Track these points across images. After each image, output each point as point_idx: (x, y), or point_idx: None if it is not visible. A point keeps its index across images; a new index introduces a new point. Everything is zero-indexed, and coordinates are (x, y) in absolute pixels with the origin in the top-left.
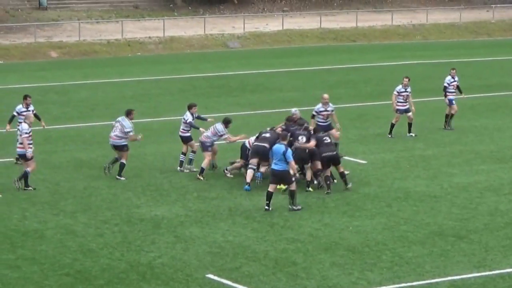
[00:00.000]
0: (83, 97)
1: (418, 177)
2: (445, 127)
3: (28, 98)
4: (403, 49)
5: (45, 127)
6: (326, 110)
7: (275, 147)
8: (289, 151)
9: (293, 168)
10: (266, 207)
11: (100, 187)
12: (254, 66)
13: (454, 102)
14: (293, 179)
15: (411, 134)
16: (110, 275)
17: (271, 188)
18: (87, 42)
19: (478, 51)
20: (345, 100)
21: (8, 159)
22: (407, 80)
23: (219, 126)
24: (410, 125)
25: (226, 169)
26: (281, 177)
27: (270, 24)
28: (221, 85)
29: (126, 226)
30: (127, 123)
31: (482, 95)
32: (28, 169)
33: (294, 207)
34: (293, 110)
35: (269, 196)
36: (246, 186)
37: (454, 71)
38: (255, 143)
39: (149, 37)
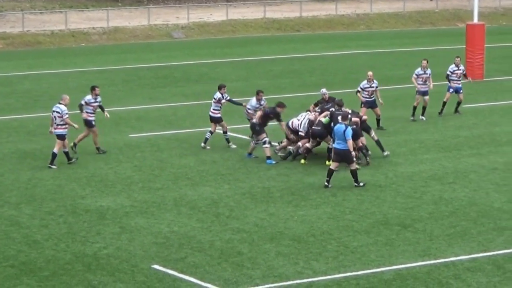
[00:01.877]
0: (27, 88)
1: (363, 167)
2: (440, 113)
3: (96, 89)
4: (347, 38)
5: (108, 116)
6: (371, 87)
7: (337, 127)
8: (349, 129)
9: (350, 146)
10: (326, 183)
11: (45, 178)
12: (199, 57)
13: (461, 90)
14: (354, 159)
15: (422, 117)
16: (55, 266)
17: (333, 166)
18: (31, 33)
19: (422, 40)
20: (289, 90)
21: None
22: (425, 62)
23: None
24: (424, 108)
25: (276, 149)
26: (343, 156)
27: (214, 14)
28: (166, 76)
29: (71, 217)
30: (253, 102)
31: None
32: (56, 149)
33: (358, 184)
34: (323, 90)
35: (330, 173)
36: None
37: (459, 59)
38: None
39: (93, 28)
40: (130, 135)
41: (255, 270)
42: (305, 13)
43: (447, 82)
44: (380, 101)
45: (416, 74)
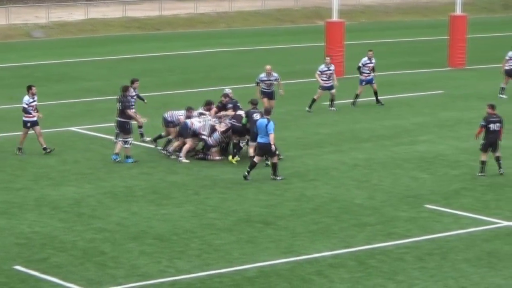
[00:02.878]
0: None
1: (225, 164)
2: (353, 104)
3: (33, 88)
4: (208, 37)
5: (41, 116)
6: (269, 80)
7: (259, 121)
8: (271, 123)
9: (272, 139)
10: (246, 174)
11: None
12: (59, 56)
13: (374, 81)
14: (276, 152)
15: (332, 108)
16: None
17: (256, 159)
18: None
19: (282, 38)
20: (150, 89)
21: None
22: (329, 59)
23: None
24: (332, 100)
25: (169, 151)
26: (265, 149)
27: (74, 13)
28: (26, 75)
29: None
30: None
31: (286, 82)
32: None
33: (276, 178)
34: (227, 90)
35: (253, 166)
36: (114, 156)
37: (372, 52)
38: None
39: None
40: None
41: (118, 269)
42: (165, 12)
43: (359, 75)
44: (281, 92)
45: (319, 71)
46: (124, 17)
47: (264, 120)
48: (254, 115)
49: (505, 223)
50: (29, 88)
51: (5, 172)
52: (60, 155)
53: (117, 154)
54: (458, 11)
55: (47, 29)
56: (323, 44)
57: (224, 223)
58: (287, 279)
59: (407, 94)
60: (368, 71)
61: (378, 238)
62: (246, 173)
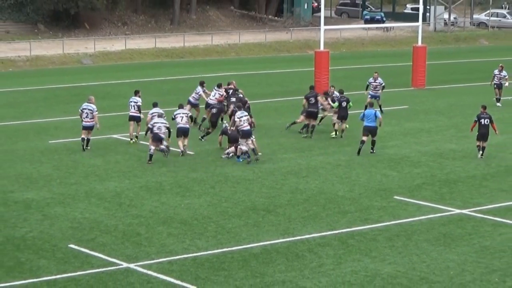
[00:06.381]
0: None
1: (234, 164)
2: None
3: (139, 92)
4: (221, 63)
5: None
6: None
7: (368, 111)
8: (378, 112)
9: (381, 122)
10: (359, 151)
11: None
12: (103, 79)
13: (379, 98)
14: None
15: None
16: None
17: (365, 138)
18: None
19: (279, 64)
20: (177, 104)
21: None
22: (376, 74)
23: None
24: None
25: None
26: (373, 131)
27: (116, 44)
28: (78, 94)
29: (2, 207)
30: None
31: (284, 99)
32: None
33: (374, 151)
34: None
35: (363, 142)
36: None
37: (376, 74)
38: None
39: (19, 56)
40: (49, 142)
41: (151, 247)
42: (187, 43)
43: (365, 91)
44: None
45: (368, 82)
46: (155, 47)
47: (372, 111)
48: (342, 103)
49: (457, 211)
50: (136, 92)
51: (61, 170)
52: (105, 156)
53: (239, 156)
54: (419, 43)
55: (94, 57)
56: (312, 69)
57: (234, 210)
58: (284, 255)
59: (379, 109)
60: (373, 89)
61: (356, 223)
62: (359, 151)
